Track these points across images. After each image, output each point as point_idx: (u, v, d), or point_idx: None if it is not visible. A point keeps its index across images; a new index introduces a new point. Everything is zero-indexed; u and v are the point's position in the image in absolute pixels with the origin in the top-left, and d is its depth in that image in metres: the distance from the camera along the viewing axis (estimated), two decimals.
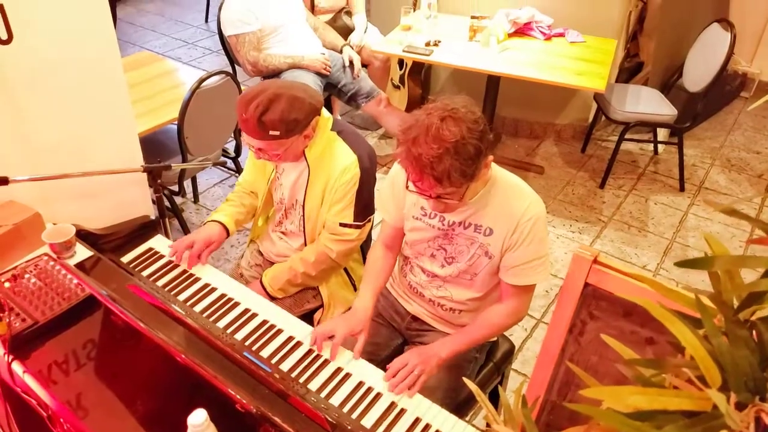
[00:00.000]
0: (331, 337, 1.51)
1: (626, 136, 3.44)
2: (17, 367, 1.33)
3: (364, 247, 1.97)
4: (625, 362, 0.63)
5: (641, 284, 1.07)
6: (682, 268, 0.55)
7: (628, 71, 4.14)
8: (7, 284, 1.46)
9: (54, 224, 1.64)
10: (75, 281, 1.46)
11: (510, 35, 3.33)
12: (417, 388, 1.42)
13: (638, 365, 0.61)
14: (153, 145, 2.74)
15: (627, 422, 0.46)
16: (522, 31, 3.38)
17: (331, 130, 1.74)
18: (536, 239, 1.48)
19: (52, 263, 1.52)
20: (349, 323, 1.54)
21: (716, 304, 0.58)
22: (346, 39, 3.52)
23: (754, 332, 0.62)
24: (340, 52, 3.39)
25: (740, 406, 0.57)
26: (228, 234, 1.84)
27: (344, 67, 3.36)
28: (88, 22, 1.73)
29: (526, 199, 1.48)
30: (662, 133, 3.90)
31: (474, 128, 1.30)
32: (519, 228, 1.46)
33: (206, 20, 5.75)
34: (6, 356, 1.33)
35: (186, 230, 2.89)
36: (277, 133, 1.57)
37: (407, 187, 1.42)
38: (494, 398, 1.90)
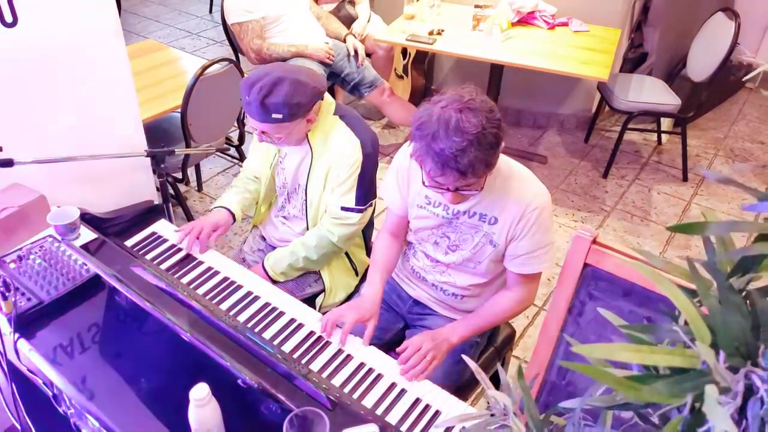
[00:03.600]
0: (338, 324, 1.52)
1: (630, 126, 3.43)
2: (23, 345, 1.35)
3: (366, 232, 1.98)
4: (619, 327, 0.63)
5: (638, 263, 1.07)
6: (677, 232, 0.56)
7: (633, 61, 4.13)
8: (12, 265, 1.47)
9: (59, 207, 1.65)
10: (80, 262, 1.48)
11: (513, 24, 3.32)
12: (428, 374, 1.43)
13: (631, 330, 0.61)
14: (157, 133, 2.75)
15: (617, 379, 0.47)
16: (525, 20, 3.37)
17: (334, 114, 1.74)
18: (542, 228, 1.48)
19: (57, 244, 1.54)
20: (359, 310, 1.54)
21: (709, 271, 0.59)
22: (349, 28, 3.52)
23: (748, 302, 0.63)
24: (344, 41, 3.39)
25: (733, 370, 0.58)
26: (234, 220, 1.86)
27: (348, 56, 3.36)
28: (93, 6, 1.74)
29: (532, 189, 1.48)
30: (666, 123, 3.89)
31: (491, 117, 1.29)
32: (524, 217, 1.46)
33: (210, 11, 5.75)
34: (12, 335, 1.35)
35: (190, 218, 2.91)
36: (280, 116, 1.58)
37: (424, 183, 1.40)
38: (495, 384, 1.92)
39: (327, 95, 1.73)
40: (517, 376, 0.82)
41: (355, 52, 3.34)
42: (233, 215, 1.86)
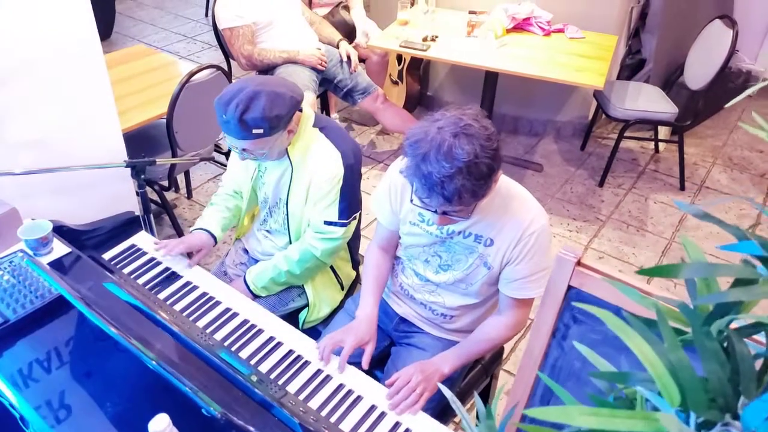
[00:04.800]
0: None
1: (627, 134, 3.38)
2: None
3: (352, 244, 1.93)
4: (592, 375, 0.59)
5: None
6: (648, 276, 0.52)
7: (630, 68, 4.08)
8: None
9: (33, 219, 1.61)
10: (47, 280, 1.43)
11: (508, 31, 3.28)
12: (420, 406, 1.37)
13: (603, 378, 0.57)
14: (143, 140, 2.71)
15: None
16: (521, 26, 3.32)
17: (313, 126, 1.70)
18: (539, 252, 1.43)
19: (27, 260, 1.49)
20: (357, 333, 1.50)
21: (685, 315, 0.55)
22: (343, 33, 3.47)
23: (727, 344, 0.58)
24: (337, 47, 3.35)
25: (709, 425, 0.53)
26: (215, 242, 1.81)
27: (341, 62, 3.31)
28: (68, 12, 1.70)
29: (531, 211, 1.43)
30: (663, 131, 3.84)
31: (487, 146, 1.23)
32: (522, 241, 1.42)
33: (206, 14, 5.72)
34: None
35: (177, 226, 2.86)
36: (261, 131, 1.53)
37: (412, 201, 1.36)
38: (485, 399, 1.87)
39: (305, 107, 1.68)
40: (486, 416, 0.77)
41: (348, 58, 3.30)
42: (214, 237, 1.80)
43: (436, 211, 1.33)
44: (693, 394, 0.44)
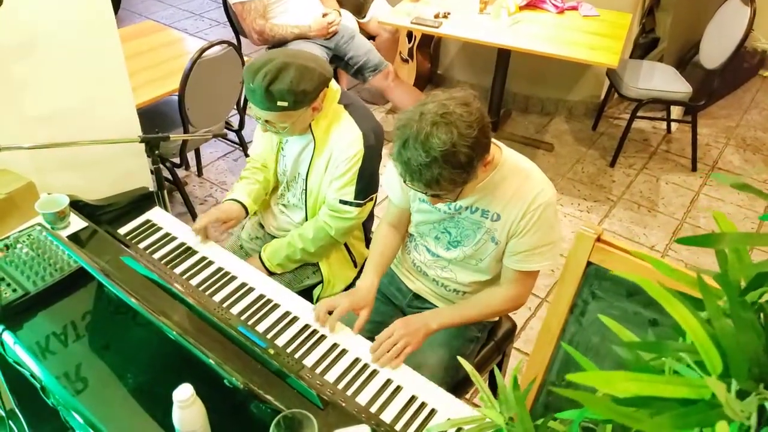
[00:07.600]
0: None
1: (639, 114, 3.35)
2: (8, 337, 1.32)
3: (366, 224, 1.93)
4: (624, 345, 0.59)
5: (645, 264, 1.02)
6: (688, 245, 0.51)
7: (644, 47, 4.02)
8: None
9: (49, 194, 1.61)
10: (67, 252, 1.44)
11: (521, 8, 3.23)
12: (401, 360, 1.40)
13: (637, 349, 0.57)
14: (155, 117, 2.70)
15: (616, 409, 0.43)
16: (534, 3, 3.28)
17: (339, 103, 1.68)
18: (545, 226, 1.43)
19: (45, 234, 1.50)
20: (353, 298, 1.52)
21: (721, 285, 0.54)
22: (355, 12, 3.43)
23: (761, 316, 0.58)
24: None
25: (742, 394, 0.53)
26: (247, 212, 1.80)
27: (351, 38, 3.28)
28: None
29: (537, 186, 1.43)
30: (676, 111, 3.80)
31: (467, 134, 1.23)
32: (527, 214, 1.42)
33: None
34: None
35: (188, 203, 2.87)
36: (285, 104, 1.52)
37: (405, 182, 1.37)
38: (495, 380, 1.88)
39: (333, 83, 1.67)
40: (512, 386, 0.78)
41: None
42: (245, 208, 1.79)
43: (426, 193, 1.34)
44: (736, 362, 0.44)
